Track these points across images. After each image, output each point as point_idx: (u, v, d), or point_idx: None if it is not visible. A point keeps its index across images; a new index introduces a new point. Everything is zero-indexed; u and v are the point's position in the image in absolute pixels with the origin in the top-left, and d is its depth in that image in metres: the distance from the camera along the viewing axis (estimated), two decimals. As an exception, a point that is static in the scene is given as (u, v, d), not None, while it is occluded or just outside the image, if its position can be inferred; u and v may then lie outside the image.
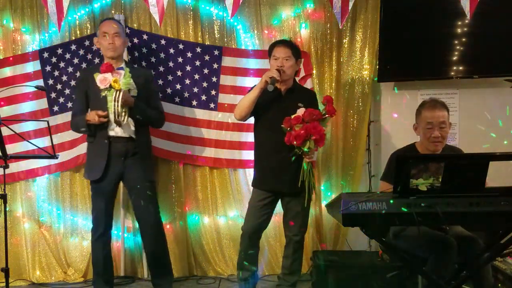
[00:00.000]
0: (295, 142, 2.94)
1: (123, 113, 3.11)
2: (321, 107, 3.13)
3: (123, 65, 3.29)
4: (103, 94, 3.04)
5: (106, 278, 3.30)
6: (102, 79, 3.03)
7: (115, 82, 3.00)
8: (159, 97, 3.51)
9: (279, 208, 3.30)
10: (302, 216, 3.19)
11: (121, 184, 3.43)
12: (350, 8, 3.55)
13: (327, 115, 3.04)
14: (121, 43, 3.26)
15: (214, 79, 3.85)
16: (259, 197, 3.18)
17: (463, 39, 3.69)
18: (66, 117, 3.81)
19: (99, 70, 3.08)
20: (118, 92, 3.03)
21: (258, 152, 3.25)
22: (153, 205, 3.34)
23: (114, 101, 3.03)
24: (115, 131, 3.20)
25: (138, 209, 3.32)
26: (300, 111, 2.97)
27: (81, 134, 3.77)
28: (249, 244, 3.22)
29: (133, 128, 3.23)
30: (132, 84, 3.21)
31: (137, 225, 3.87)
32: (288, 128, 2.97)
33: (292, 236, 3.21)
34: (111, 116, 3.08)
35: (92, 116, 3.11)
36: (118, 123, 3.12)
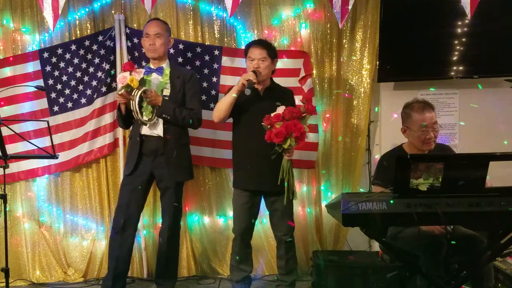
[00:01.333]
0: (277, 140, 2.93)
1: (148, 111, 3.18)
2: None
3: (164, 65, 3.32)
4: (119, 93, 3.10)
5: (115, 277, 3.26)
6: (121, 78, 3.09)
7: (131, 81, 3.04)
8: (197, 98, 3.39)
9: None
10: (289, 215, 3.19)
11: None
12: (350, 8, 3.55)
13: (306, 114, 3.04)
14: (162, 43, 3.27)
15: (214, 79, 3.85)
16: (242, 199, 3.19)
17: (463, 39, 3.69)
18: (66, 117, 3.82)
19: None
20: (136, 91, 3.08)
21: (237, 152, 3.26)
22: (174, 207, 3.31)
23: (131, 100, 3.10)
24: (145, 129, 3.25)
25: (162, 209, 3.39)
26: (280, 109, 2.98)
27: (81, 134, 3.80)
28: (242, 245, 3.24)
29: (162, 127, 3.23)
30: (167, 84, 3.26)
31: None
32: (269, 126, 2.97)
33: (282, 236, 3.21)
34: (134, 115, 3.14)
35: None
36: (142, 122, 3.18)
